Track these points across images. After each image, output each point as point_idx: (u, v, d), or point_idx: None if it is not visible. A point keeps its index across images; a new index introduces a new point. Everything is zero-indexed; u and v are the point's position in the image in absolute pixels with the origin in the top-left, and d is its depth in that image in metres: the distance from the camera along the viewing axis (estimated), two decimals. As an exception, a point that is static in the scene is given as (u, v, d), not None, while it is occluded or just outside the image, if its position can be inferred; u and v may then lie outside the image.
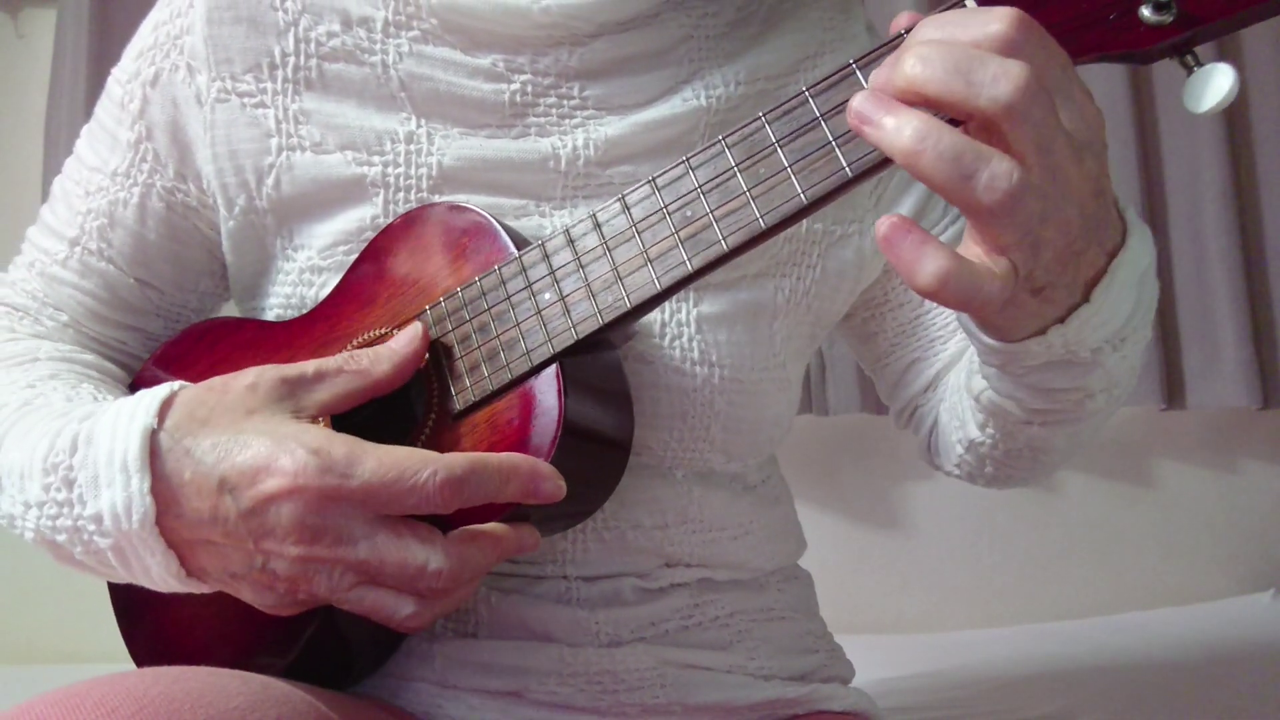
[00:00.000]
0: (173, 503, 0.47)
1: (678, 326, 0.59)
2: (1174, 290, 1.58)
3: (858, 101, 0.40)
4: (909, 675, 1.24)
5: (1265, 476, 1.66)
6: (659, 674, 0.60)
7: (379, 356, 0.51)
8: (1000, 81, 0.37)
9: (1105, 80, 1.56)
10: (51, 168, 1.49)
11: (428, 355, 0.54)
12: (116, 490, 0.47)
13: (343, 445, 0.45)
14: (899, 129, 0.38)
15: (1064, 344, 0.47)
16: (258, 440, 0.46)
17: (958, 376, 0.66)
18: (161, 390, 0.49)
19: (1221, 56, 1.59)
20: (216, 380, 0.49)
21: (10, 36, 1.66)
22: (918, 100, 0.39)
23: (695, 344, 0.59)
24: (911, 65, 0.38)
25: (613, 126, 0.61)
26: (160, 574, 0.49)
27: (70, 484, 0.48)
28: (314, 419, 0.49)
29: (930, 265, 0.39)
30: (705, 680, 0.61)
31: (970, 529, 1.65)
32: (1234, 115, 1.59)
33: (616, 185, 0.60)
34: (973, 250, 0.42)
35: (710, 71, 0.63)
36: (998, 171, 0.37)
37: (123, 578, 0.50)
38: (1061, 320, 0.46)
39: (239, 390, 0.48)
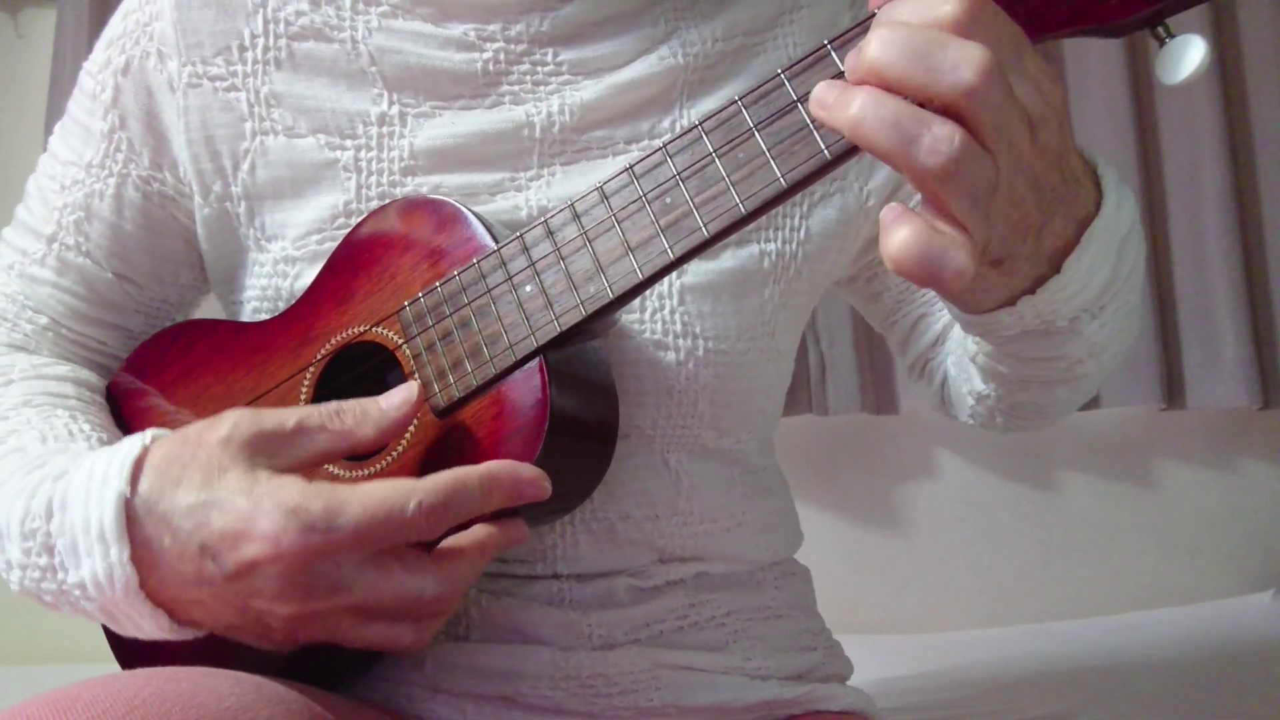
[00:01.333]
0: (155, 567, 0.46)
1: (659, 299, 0.59)
2: (1174, 290, 1.58)
3: (817, 91, 0.40)
4: (909, 675, 1.24)
5: (1265, 476, 1.65)
6: (653, 676, 0.59)
7: (366, 418, 0.49)
8: (960, 67, 0.37)
9: (1105, 79, 1.56)
10: (51, 168, 1.49)
11: (409, 351, 0.54)
12: (96, 560, 0.46)
13: (319, 499, 0.44)
14: (845, 105, 0.38)
15: (1035, 314, 0.47)
16: (233, 502, 0.45)
17: (961, 332, 0.67)
18: (133, 448, 0.48)
19: (1222, 58, 1.59)
20: (191, 432, 0.48)
21: (10, 36, 1.67)
22: (880, 85, 0.38)
23: (677, 316, 0.59)
24: (872, 50, 0.38)
25: (588, 90, 0.60)
26: (152, 630, 0.49)
27: (50, 550, 0.48)
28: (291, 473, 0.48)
29: (897, 234, 0.38)
30: (701, 682, 0.61)
31: (970, 529, 1.65)
32: (1234, 115, 1.58)
33: (594, 150, 0.60)
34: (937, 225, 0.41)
35: (687, 30, 0.63)
36: (939, 135, 0.37)
37: (113, 629, 0.50)
38: (1031, 291, 0.46)
39: (212, 445, 0.47)
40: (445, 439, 0.52)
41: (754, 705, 0.62)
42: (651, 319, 0.59)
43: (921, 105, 0.38)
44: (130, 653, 0.62)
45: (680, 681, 0.60)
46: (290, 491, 0.45)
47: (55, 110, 1.53)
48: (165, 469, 0.47)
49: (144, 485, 0.46)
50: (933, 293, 0.72)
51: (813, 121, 0.44)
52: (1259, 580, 1.60)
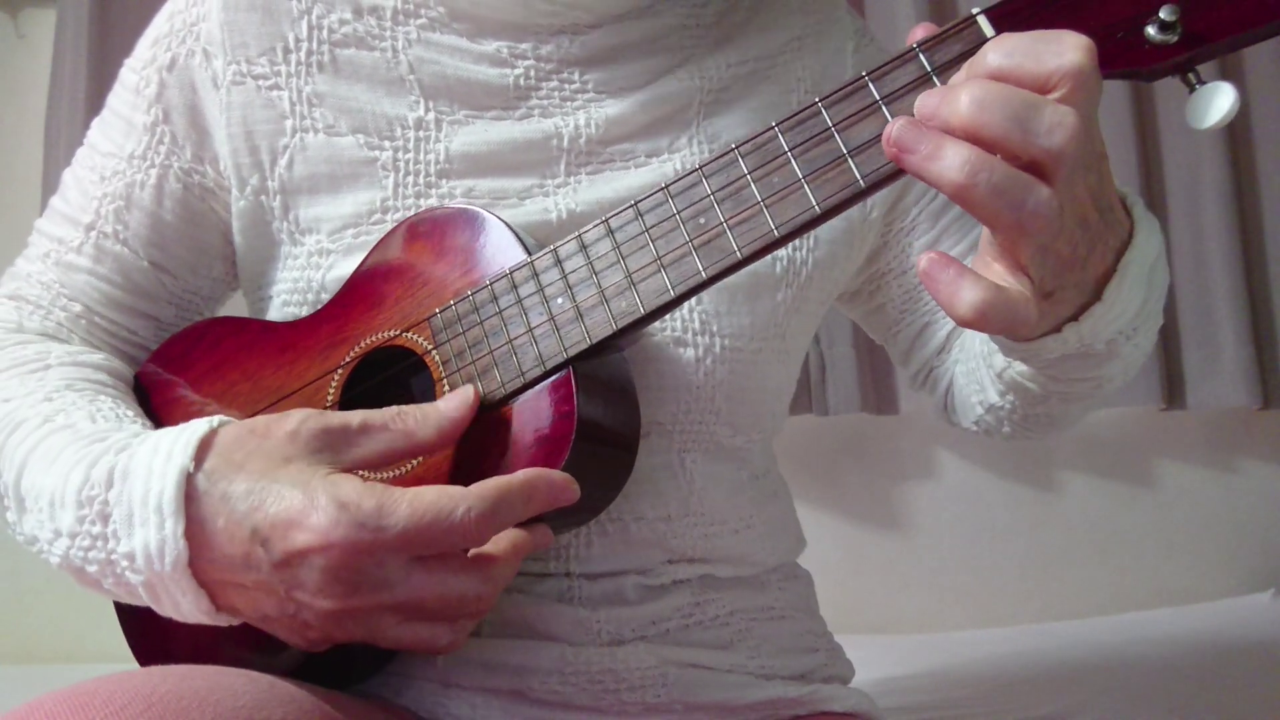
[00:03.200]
0: (205, 547, 0.47)
1: None
2: (1174, 290, 1.58)
3: (898, 130, 0.41)
4: (909, 675, 1.24)
5: (1265, 476, 1.65)
6: (660, 673, 0.60)
7: (426, 419, 0.50)
8: (1055, 132, 0.39)
9: (1106, 80, 1.56)
10: (51, 168, 1.49)
11: (438, 357, 0.55)
12: (150, 531, 0.47)
13: (372, 497, 0.45)
14: (944, 159, 0.40)
15: (1079, 339, 0.49)
16: (290, 491, 0.46)
17: (973, 342, 0.68)
18: (200, 428, 0.49)
19: (1221, 58, 1.59)
20: (259, 422, 0.49)
21: (10, 36, 1.66)
22: (973, 141, 0.40)
23: (695, 315, 0.61)
24: (967, 107, 0.39)
25: (612, 106, 0.63)
26: (191, 611, 0.49)
27: (105, 518, 0.48)
28: (350, 471, 0.49)
29: (968, 296, 0.40)
30: (706, 679, 0.62)
31: (970, 529, 1.65)
32: (1234, 116, 1.58)
33: (616, 161, 0.63)
34: (994, 268, 0.44)
35: (703, 57, 0.66)
36: (1041, 198, 0.40)
37: (150, 606, 0.50)
38: (1075, 318, 0.48)
39: (279, 437, 0.48)
40: (472, 444, 0.53)
41: (758, 703, 0.63)
42: (671, 317, 0.60)
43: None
44: (148, 652, 0.62)
45: (686, 679, 0.61)
46: (345, 488, 0.46)
47: (55, 110, 1.53)
48: (230, 453, 0.48)
49: (208, 464, 0.48)
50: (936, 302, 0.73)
51: (848, 151, 0.45)
52: (1259, 580, 1.60)
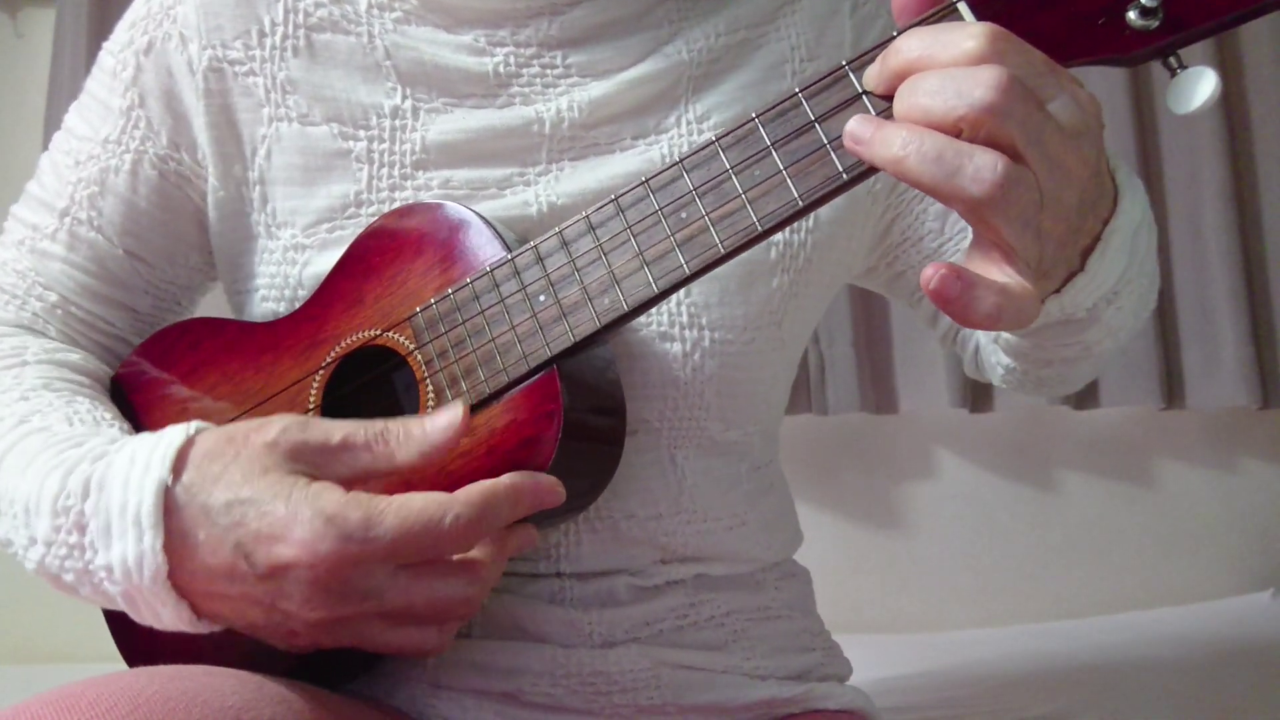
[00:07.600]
0: (186, 559, 0.46)
1: None
2: (1174, 290, 1.58)
3: (851, 126, 0.42)
4: (908, 675, 1.24)
5: (1265, 476, 1.65)
6: (653, 675, 0.60)
7: (409, 440, 0.48)
8: (976, 88, 0.38)
9: (1105, 80, 1.56)
10: (51, 167, 1.49)
11: (420, 357, 0.54)
12: (129, 544, 0.46)
13: (358, 509, 0.45)
14: (885, 141, 0.40)
15: (1060, 309, 0.49)
16: (272, 504, 0.45)
17: None
18: (177, 437, 0.48)
19: (1221, 57, 1.59)
20: (238, 430, 0.48)
21: (10, 36, 1.66)
22: (912, 122, 0.40)
23: (684, 308, 0.60)
24: (898, 97, 0.40)
25: (596, 88, 0.61)
26: (171, 620, 0.49)
27: (82, 529, 0.48)
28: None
29: (981, 307, 0.40)
30: (700, 681, 0.61)
31: (970, 529, 1.65)
32: (1234, 115, 1.58)
33: (601, 145, 0.61)
34: (991, 264, 0.42)
35: (691, 28, 0.64)
36: (981, 164, 0.38)
37: (129, 613, 0.50)
38: (1058, 290, 0.48)
39: (258, 447, 0.47)
40: (459, 445, 0.52)
41: (753, 704, 0.62)
42: (658, 311, 0.59)
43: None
44: (137, 653, 0.62)
45: (679, 680, 0.61)
46: (328, 499, 0.45)
47: (55, 110, 1.53)
48: (207, 464, 0.47)
49: (186, 476, 0.47)
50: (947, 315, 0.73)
51: (829, 142, 0.44)
52: (1259, 580, 1.60)
